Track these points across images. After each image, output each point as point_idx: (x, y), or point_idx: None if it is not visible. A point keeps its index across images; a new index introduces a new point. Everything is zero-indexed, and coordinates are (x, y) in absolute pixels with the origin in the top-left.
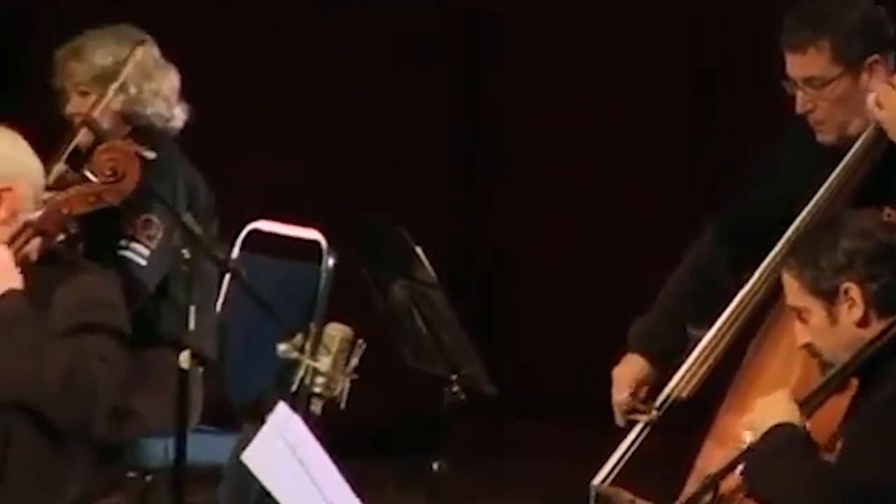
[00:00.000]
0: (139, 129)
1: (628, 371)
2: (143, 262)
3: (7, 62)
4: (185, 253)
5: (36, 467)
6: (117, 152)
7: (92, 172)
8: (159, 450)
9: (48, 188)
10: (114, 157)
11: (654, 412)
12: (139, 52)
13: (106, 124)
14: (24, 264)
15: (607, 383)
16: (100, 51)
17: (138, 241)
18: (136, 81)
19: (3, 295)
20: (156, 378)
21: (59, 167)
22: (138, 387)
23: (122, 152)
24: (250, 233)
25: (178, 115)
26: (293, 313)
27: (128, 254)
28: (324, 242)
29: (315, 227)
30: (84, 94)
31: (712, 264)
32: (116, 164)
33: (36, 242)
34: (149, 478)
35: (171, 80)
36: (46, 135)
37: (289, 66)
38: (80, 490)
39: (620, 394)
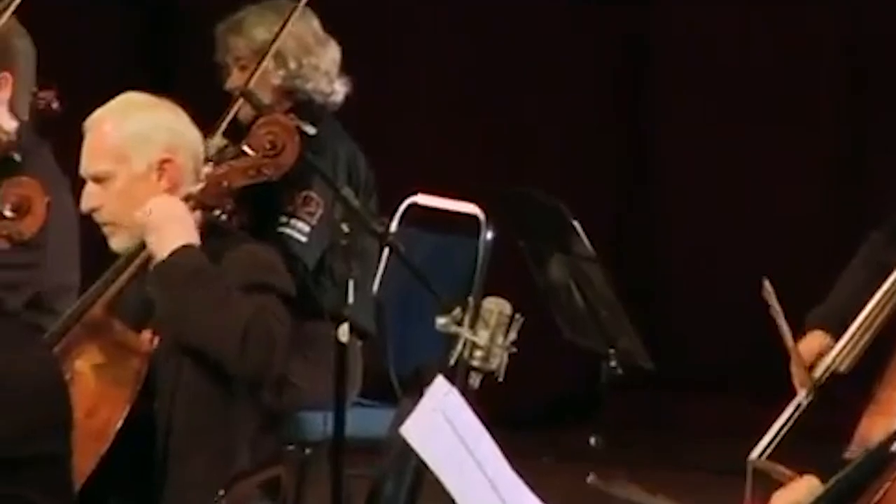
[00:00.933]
0: (299, 104)
1: (811, 345)
2: (304, 239)
3: (166, 39)
4: (344, 227)
5: (201, 419)
6: (276, 125)
7: (250, 146)
8: (318, 423)
9: (207, 161)
10: (273, 130)
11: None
12: (299, 25)
13: (266, 99)
14: None
15: (765, 358)
16: (260, 25)
17: (299, 218)
18: (296, 56)
19: (179, 249)
20: (315, 351)
21: (218, 141)
22: (298, 360)
23: (281, 125)
24: (409, 207)
25: (339, 90)
26: (451, 287)
27: (288, 231)
28: (482, 216)
29: (473, 202)
30: (244, 68)
31: (887, 257)
32: (276, 137)
33: (197, 216)
34: (308, 451)
35: (331, 54)
36: (205, 112)
37: (447, 40)
38: (250, 456)
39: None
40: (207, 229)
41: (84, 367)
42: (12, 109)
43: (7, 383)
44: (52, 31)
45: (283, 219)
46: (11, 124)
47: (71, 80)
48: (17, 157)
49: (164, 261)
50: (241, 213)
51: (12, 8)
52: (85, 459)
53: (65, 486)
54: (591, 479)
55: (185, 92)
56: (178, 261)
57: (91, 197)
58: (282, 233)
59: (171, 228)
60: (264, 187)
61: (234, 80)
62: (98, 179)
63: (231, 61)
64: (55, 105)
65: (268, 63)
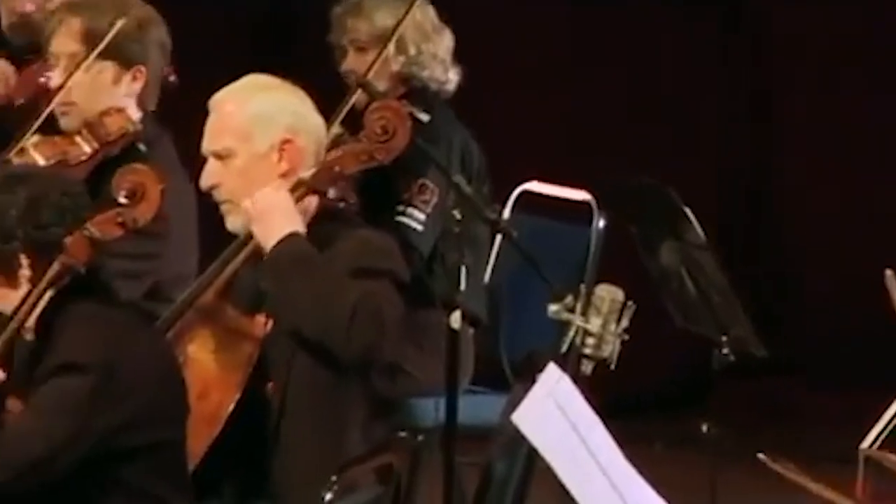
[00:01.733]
0: (414, 91)
1: None
2: (420, 228)
3: (283, 23)
4: (457, 214)
5: (316, 403)
6: (387, 111)
7: (363, 132)
8: (430, 409)
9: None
10: (384, 115)
11: None
12: (418, 12)
13: (382, 85)
14: None
15: (886, 346)
16: (381, 9)
17: (414, 207)
18: (415, 43)
19: (285, 238)
20: (428, 339)
21: (335, 130)
22: (411, 347)
23: (393, 111)
24: (521, 194)
25: (452, 78)
26: (563, 274)
27: (404, 220)
28: (594, 203)
29: (585, 189)
30: (361, 50)
31: None
32: (387, 122)
33: (311, 201)
34: (420, 437)
35: (446, 42)
36: (325, 97)
37: (560, 27)
38: (361, 441)
39: None
40: (322, 214)
41: (197, 352)
42: (140, 101)
43: (122, 371)
44: (179, 15)
45: (400, 208)
46: (137, 115)
47: (194, 67)
48: (142, 147)
49: (269, 251)
50: (356, 202)
51: None
52: (197, 442)
53: (178, 470)
54: (761, 456)
55: (305, 77)
56: (283, 249)
57: (211, 174)
58: (398, 222)
59: (275, 218)
60: (379, 176)
61: (350, 63)
62: (219, 157)
63: (347, 43)
64: (172, 78)
65: (389, 49)
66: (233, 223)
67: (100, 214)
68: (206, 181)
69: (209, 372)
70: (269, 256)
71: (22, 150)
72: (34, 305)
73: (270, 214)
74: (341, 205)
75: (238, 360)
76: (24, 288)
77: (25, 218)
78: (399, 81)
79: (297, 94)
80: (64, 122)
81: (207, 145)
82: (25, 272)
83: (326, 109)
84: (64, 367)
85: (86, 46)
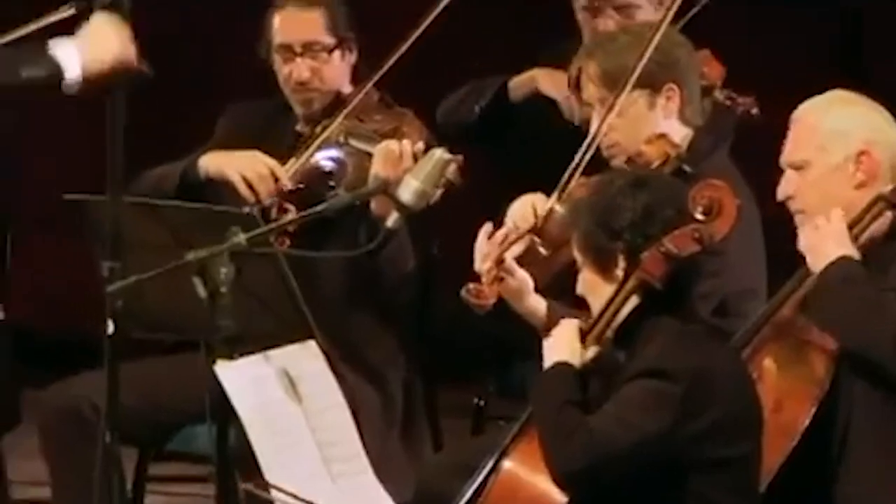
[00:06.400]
0: None
1: None
2: None
3: (857, 37)
4: None
5: (877, 420)
6: None
7: None
8: None
9: None
10: None
11: None
12: None
13: None
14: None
15: None
16: None
17: None
18: None
19: (834, 261)
20: None
21: None
22: None
23: None
24: None
25: None
26: None
27: None
28: None
29: None
30: None
31: None
32: None
33: (886, 217)
34: None
35: None
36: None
37: None
38: None
39: None
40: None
41: (771, 365)
42: (683, 117)
43: (707, 383)
44: (750, 39)
45: None
46: (682, 132)
47: (767, 85)
48: (687, 168)
49: (819, 274)
50: None
51: (668, 17)
52: (771, 455)
53: (750, 485)
54: None
55: (882, 89)
56: (831, 272)
57: (788, 184)
58: None
59: (828, 245)
60: None
61: None
62: (796, 168)
63: None
64: (754, 111)
65: None
66: (805, 237)
67: (676, 230)
68: (782, 192)
69: (783, 384)
70: (819, 279)
71: (567, 195)
72: (616, 314)
73: (823, 243)
74: None
75: (813, 374)
76: (612, 288)
77: (637, 225)
78: None
79: (877, 109)
80: (614, 164)
81: (786, 157)
82: (619, 273)
83: None
84: (652, 371)
85: (607, 87)
